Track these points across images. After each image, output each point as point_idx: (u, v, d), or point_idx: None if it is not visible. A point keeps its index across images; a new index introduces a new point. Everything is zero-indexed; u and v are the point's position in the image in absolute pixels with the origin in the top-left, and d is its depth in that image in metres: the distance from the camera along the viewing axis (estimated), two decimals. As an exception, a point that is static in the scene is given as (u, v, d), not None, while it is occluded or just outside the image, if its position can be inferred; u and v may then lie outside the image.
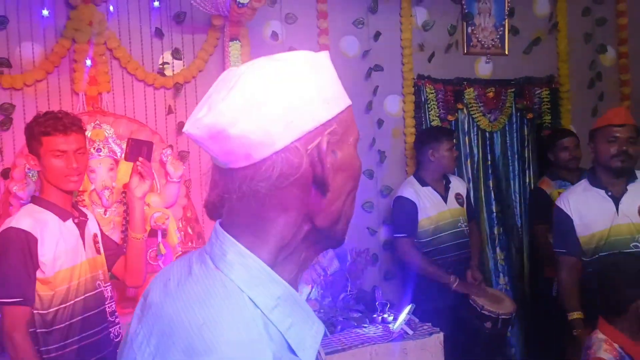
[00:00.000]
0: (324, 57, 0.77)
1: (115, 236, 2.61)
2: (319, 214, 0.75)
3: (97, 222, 2.22)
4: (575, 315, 2.56)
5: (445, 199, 3.27)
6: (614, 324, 2.01)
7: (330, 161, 0.72)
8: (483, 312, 2.93)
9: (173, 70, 3.12)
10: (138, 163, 2.16)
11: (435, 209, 3.22)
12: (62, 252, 1.98)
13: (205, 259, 0.76)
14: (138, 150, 2.20)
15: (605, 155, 2.54)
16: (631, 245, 2.50)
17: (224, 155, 0.73)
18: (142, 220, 2.21)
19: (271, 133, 0.69)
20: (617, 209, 2.56)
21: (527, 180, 3.93)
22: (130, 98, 3.04)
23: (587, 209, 2.59)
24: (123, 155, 2.47)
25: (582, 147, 4.03)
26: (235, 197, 0.74)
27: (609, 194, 2.59)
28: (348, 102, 0.77)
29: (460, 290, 3.07)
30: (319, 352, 0.81)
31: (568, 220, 2.62)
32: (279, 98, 0.70)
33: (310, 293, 2.98)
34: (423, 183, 3.25)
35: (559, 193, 3.42)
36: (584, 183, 2.69)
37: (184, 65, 3.15)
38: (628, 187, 2.58)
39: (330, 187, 0.73)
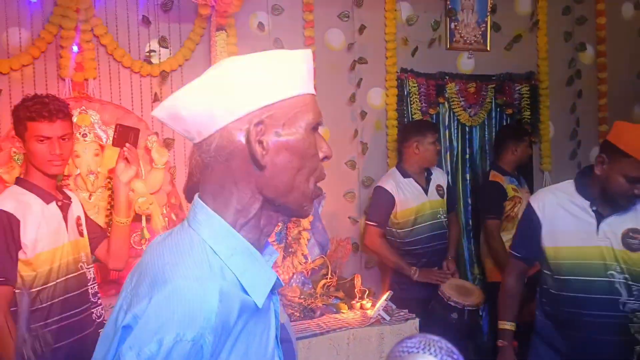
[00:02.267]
0: (286, 54, 0.93)
1: (100, 220, 2.66)
2: (265, 186, 0.91)
3: (82, 205, 2.26)
4: (508, 326, 2.29)
5: (426, 190, 3.35)
6: None
7: (267, 140, 0.89)
8: (449, 302, 3.01)
9: (159, 59, 3.16)
10: (125, 149, 2.20)
11: (416, 200, 3.30)
12: (44, 234, 2.02)
13: (183, 222, 0.96)
14: (125, 136, 2.24)
15: (616, 188, 2.02)
16: (607, 273, 2.07)
17: (185, 132, 0.94)
18: (127, 205, 2.26)
19: (214, 115, 0.89)
20: (597, 227, 2.09)
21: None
22: (116, 85, 3.08)
23: (562, 217, 2.14)
24: (110, 141, 2.50)
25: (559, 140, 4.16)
26: (200, 169, 0.93)
27: (594, 208, 2.10)
28: (301, 91, 0.93)
29: (421, 279, 3.16)
30: (273, 303, 0.99)
31: (536, 223, 2.19)
32: (222, 87, 0.89)
33: (292, 279, 3.05)
34: (405, 175, 3.33)
35: (513, 189, 3.51)
36: (568, 186, 2.20)
37: (170, 54, 3.19)
38: (620, 210, 2.11)
39: (265, 163, 0.89)
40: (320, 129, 0.98)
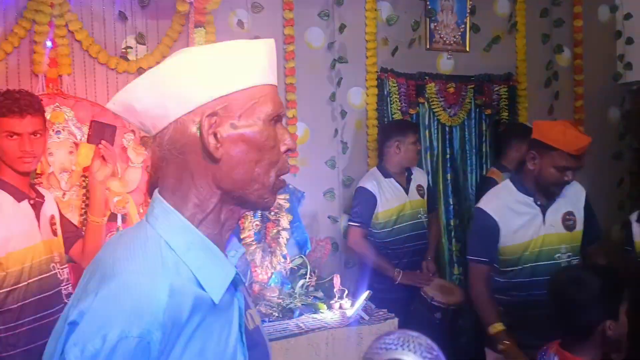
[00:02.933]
0: (244, 44, 0.91)
1: (74, 220, 2.60)
2: (222, 179, 0.89)
3: (56, 203, 2.21)
4: (498, 327, 2.32)
5: (406, 190, 3.35)
6: (574, 352, 1.74)
7: (221, 133, 0.87)
8: (433, 303, 3.01)
9: (136, 55, 3.11)
10: (100, 146, 2.16)
11: (396, 200, 3.30)
12: (15, 234, 1.97)
13: (143, 218, 0.95)
14: (101, 132, 2.19)
15: (547, 178, 2.31)
16: (555, 256, 2.38)
17: (141, 125, 0.92)
18: (103, 204, 2.21)
19: (167, 107, 0.87)
20: (544, 218, 2.38)
21: (484, 174, 4.04)
22: (91, 81, 3.01)
23: (514, 217, 2.37)
24: (85, 138, 2.45)
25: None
26: (158, 163, 0.92)
27: (538, 202, 2.38)
28: (260, 81, 0.91)
29: (404, 282, 3.15)
30: (237, 299, 0.96)
31: (494, 227, 2.35)
32: (175, 78, 0.87)
33: (270, 279, 3.02)
34: (386, 174, 3.32)
35: None
36: (509, 186, 2.44)
37: (147, 51, 3.13)
38: (556, 198, 2.41)
39: (219, 156, 0.87)
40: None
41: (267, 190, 0.92)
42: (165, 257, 0.85)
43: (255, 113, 0.90)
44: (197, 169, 0.89)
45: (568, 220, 2.41)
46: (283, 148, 0.94)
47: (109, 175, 2.20)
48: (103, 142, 2.16)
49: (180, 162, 0.89)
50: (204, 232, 0.90)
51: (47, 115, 2.54)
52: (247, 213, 2.93)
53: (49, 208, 2.14)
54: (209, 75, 0.87)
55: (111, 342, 0.76)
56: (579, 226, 2.44)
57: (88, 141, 2.22)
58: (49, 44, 2.88)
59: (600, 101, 4.35)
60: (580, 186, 2.49)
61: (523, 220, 2.37)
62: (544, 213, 2.38)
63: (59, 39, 2.90)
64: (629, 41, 4.27)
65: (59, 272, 2.12)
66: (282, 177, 0.95)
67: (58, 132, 2.63)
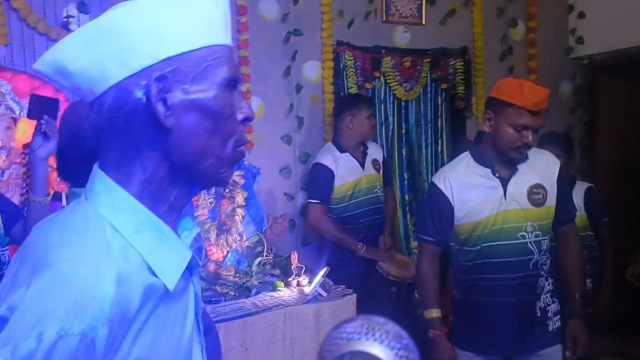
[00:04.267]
0: None
1: (15, 199, 2.46)
2: (172, 152, 0.78)
3: None
4: (434, 313, 2.19)
5: (362, 165, 3.32)
6: None
7: (171, 99, 0.76)
8: (389, 277, 3.02)
9: (79, 25, 2.93)
10: (42, 121, 2.02)
11: (352, 175, 3.27)
12: None
13: (80, 196, 0.81)
14: (42, 107, 2.05)
15: (505, 140, 2.06)
16: (518, 235, 2.11)
17: (76, 89, 0.79)
18: (45, 182, 2.08)
19: (106, 68, 0.75)
20: (504, 192, 2.12)
21: (439, 149, 4.05)
22: (30, 53, 2.83)
23: (470, 192, 2.13)
24: (24, 113, 2.30)
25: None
26: (97, 133, 0.80)
27: (497, 174, 2.12)
28: (213, 41, 0.79)
29: (367, 256, 3.15)
30: (193, 285, 0.87)
31: (446, 204, 2.15)
32: (114, 35, 0.74)
33: (226, 257, 2.96)
34: (341, 149, 3.28)
35: None
36: (466, 159, 2.20)
37: (90, 20, 2.96)
38: (518, 167, 2.14)
39: (170, 125, 0.76)
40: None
41: (223, 163, 0.82)
42: (110, 241, 0.74)
43: (208, 77, 0.78)
44: (143, 140, 0.77)
45: (535, 194, 2.13)
46: (240, 117, 0.83)
47: (52, 152, 2.06)
48: (45, 117, 2.02)
49: (123, 133, 0.77)
50: (152, 211, 0.80)
51: (-19, 89, 2.38)
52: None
53: None
54: (155, 33, 0.75)
55: (48, 341, 0.66)
56: (550, 201, 2.15)
57: (28, 116, 2.08)
58: (-18, 12, 2.68)
59: (552, 75, 4.40)
60: (554, 157, 2.24)
61: (480, 195, 2.12)
62: (504, 186, 2.12)
63: (-6, 7, 2.71)
64: (581, 15, 4.33)
65: (1, 254, 2.00)
66: (240, 148, 0.84)
67: (-6, 106, 2.46)
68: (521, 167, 2.13)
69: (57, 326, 0.66)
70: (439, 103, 4.05)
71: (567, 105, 4.48)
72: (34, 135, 2.02)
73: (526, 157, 2.14)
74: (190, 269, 0.84)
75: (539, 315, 2.16)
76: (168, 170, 0.79)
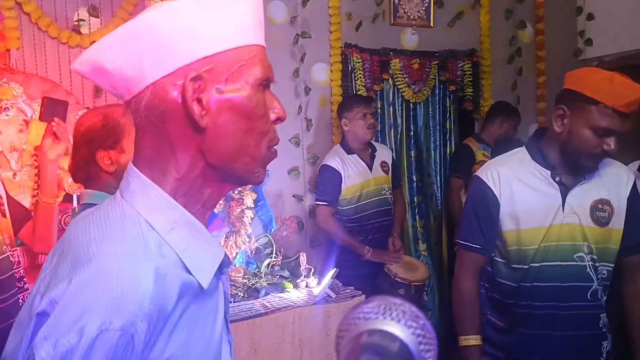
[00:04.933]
0: None
1: (27, 201, 2.48)
2: (207, 151, 0.79)
3: (2, 184, 2.09)
4: (473, 341, 1.80)
5: (370, 167, 3.32)
6: None
7: (206, 98, 0.76)
8: (396, 279, 3.02)
9: (89, 29, 2.96)
10: (53, 123, 2.04)
11: (360, 177, 3.27)
12: None
13: (116, 194, 0.82)
14: (53, 109, 2.08)
15: (581, 145, 1.66)
16: (575, 256, 1.72)
17: (112, 88, 0.80)
18: (54, 184, 2.10)
19: (143, 68, 0.75)
20: (563, 202, 1.72)
21: (448, 151, 4.05)
22: (42, 56, 2.86)
23: (521, 193, 1.74)
24: (36, 116, 2.33)
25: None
26: (135, 131, 0.80)
27: (557, 179, 1.73)
28: (247, 41, 0.80)
29: (374, 259, 3.14)
30: (222, 283, 0.88)
31: (493, 201, 1.76)
32: (151, 36, 0.75)
33: (235, 259, 2.96)
34: (349, 151, 3.29)
35: (484, 154, 3.57)
36: (520, 154, 1.82)
37: (101, 24, 2.99)
38: (585, 176, 1.75)
39: (205, 125, 0.77)
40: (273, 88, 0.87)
41: (257, 163, 0.82)
42: (147, 238, 0.75)
43: (242, 76, 0.78)
44: (178, 139, 0.78)
45: (600, 211, 1.73)
46: (273, 116, 0.83)
47: (61, 154, 2.09)
48: (55, 119, 2.04)
49: (158, 131, 0.78)
50: (186, 209, 0.80)
51: (-6, 91, 2.40)
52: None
53: None
54: (191, 33, 0.75)
55: (89, 336, 0.66)
56: (615, 223, 1.74)
57: (40, 119, 2.10)
58: (-6, 16, 2.71)
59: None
60: (628, 170, 1.82)
61: (532, 199, 1.73)
62: (564, 195, 1.72)
63: (6, 11, 2.74)
64: (590, 17, 4.31)
65: (10, 254, 2.01)
66: (274, 148, 0.84)
67: (6, 109, 2.48)
68: (590, 177, 1.75)
69: (99, 321, 0.67)
70: (447, 105, 4.05)
71: (576, 107, 4.46)
72: (44, 137, 2.04)
73: (596, 168, 1.75)
74: (220, 268, 0.84)
75: (603, 357, 1.77)
76: (202, 170, 0.80)
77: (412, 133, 3.96)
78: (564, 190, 1.73)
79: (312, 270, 2.94)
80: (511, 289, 1.78)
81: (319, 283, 2.79)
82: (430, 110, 4.01)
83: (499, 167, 1.79)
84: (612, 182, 1.77)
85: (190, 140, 0.78)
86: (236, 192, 2.98)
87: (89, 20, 2.96)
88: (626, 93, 1.60)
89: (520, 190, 1.74)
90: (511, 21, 4.23)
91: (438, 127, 4.03)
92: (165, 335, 0.72)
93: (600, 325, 1.77)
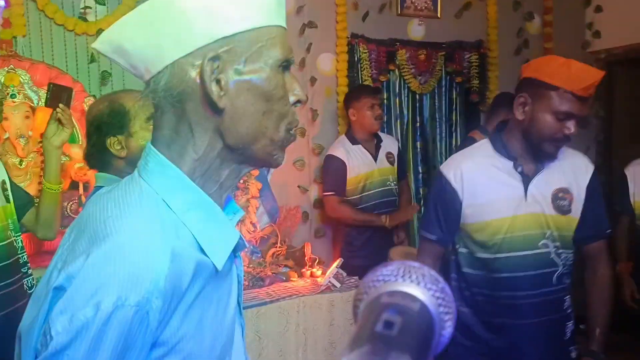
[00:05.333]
0: None
1: (33, 187, 2.49)
2: (225, 133, 0.78)
3: (5, 169, 2.09)
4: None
5: (375, 157, 3.31)
6: None
7: (225, 79, 0.76)
8: None
9: (96, 16, 2.95)
10: (58, 109, 2.04)
11: (364, 167, 3.27)
12: None
13: (134, 172, 0.82)
14: (58, 96, 2.08)
15: (543, 130, 1.71)
16: (539, 244, 1.77)
17: (132, 68, 0.80)
18: (59, 170, 2.10)
19: (162, 48, 0.76)
20: (525, 191, 1.77)
21: (454, 143, 4.04)
22: (48, 43, 2.86)
23: (484, 186, 1.78)
24: (43, 102, 2.33)
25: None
26: (154, 111, 0.81)
27: (519, 169, 1.78)
28: (267, 22, 0.79)
29: (395, 223, 3.18)
30: (236, 266, 0.88)
31: (453, 196, 1.81)
32: (170, 15, 0.75)
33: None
34: (354, 141, 3.28)
35: None
36: (484, 146, 1.86)
37: (107, 11, 2.98)
38: (545, 165, 1.80)
39: (223, 106, 0.77)
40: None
41: (276, 145, 0.81)
42: (164, 218, 0.75)
43: (262, 58, 0.78)
44: (197, 120, 0.78)
45: (561, 199, 1.79)
46: (292, 99, 0.82)
47: (66, 140, 2.09)
48: (60, 105, 2.05)
49: (177, 112, 0.78)
50: (202, 190, 0.80)
51: (1, 78, 2.40)
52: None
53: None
54: (211, 13, 0.75)
55: (105, 310, 0.67)
56: (576, 211, 1.81)
57: (47, 105, 2.10)
58: (1, 3, 2.71)
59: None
60: (587, 159, 1.88)
61: (495, 191, 1.78)
62: (526, 184, 1.77)
63: (12, -2, 2.74)
64: (598, 9, 4.28)
65: (14, 240, 2.02)
66: (293, 130, 0.84)
67: (13, 95, 2.48)
68: (548, 166, 1.80)
69: (114, 296, 0.67)
70: (454, 96, 4.03)
71: (583, 99, 4.43)
72: (48, 124, 2.05)
73: (555, 158, 1.80)
74: (235, 250, 0.84)
75: (567, 338, 1.86)
76: (220, 151, 0.79)
77: (418, 124, 3.95)
78: (526, 180, 1.78)
79: (317, 260, 2.94)
80: (478, 278, 1.84)
81: (323, 273, 2.79)
82: (436, 101, 4.00)
83: (462, 162, 1.85)
84: (571, 171, 1.82)
85: (209, 121, 0.78)
86: (241, 181, 2.98)
87: (95, 7, 2.95)
88: (583, 77, 1.66)
89: (484, 182, 1.79)
90: (519, 12, 4.20)
91: (444, 118, 4.02)
92: (180, 314, 0.73)
93: (565, 307, 1.84)
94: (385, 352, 0.31)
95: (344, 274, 2.84)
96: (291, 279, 2.80)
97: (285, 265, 2.96)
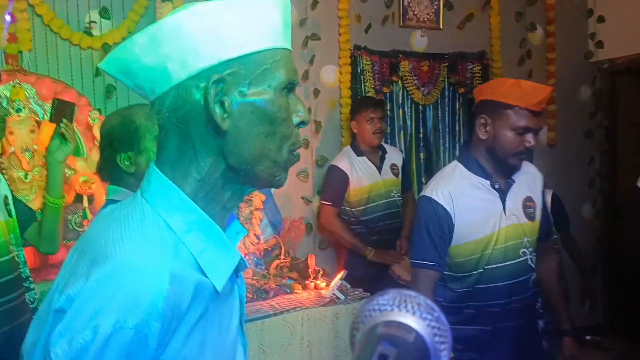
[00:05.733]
0: (257, 0, 0.79)
1: (37, 201, 2.49)
2: (228, 154, 0.79)
3: (8, 184, 2.11)
4: None
5: (379, 169, 3.32)
6: None
7: (229, 101, 0.77)
8: (399, 281, 3.02)
9: (101, 31, 2.98)
10: (62, 124, 2.06)
11: (368, 179, 3.27)
12: None
13: (137, 192, 0.83)
14: (62, 111, 2.11)
15: (506, 146, 1.83)
16: (520, 252, 1.90)
17: (138, 89, 0.81)
18: (61, 185, 2.11)
19: (168, 69, 0.76)
20: (504, 205, 1.89)
21: (457, 153, 4.03)
22: (54, 58, 2.89)
23: (470, 207, 1.87)
24: (48, 117, 2.35)
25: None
26: (159, 132, 0.82)
27: (496, 186, 1.90)
28: (272, 44, 0.80)
29: (376, 259, 3.16)
30: (238, 286, 0.88)
31: (446, 218, 1.86)
32: (178, 38, 0.75)
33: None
34: (358, 153, 3.30)
35: None
36: (458, 169, 1.95)
37: (112, 26, 3.01)
38: (514, 178, 1.94)
39: (227, 128, 0.77)
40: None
41: (279, 167, 0.82)
42: (165, 239, 0.75)
43: (266, 80, 0.78)
44: (201, 141, 0.78)
45: (528, 207, 1.95)
46: (296, 120, 0.82)
47: (69, 155, 2.10)
48: (64, 120, 2.07)
49: (181, 133, 0.78)
50: (205, 211, 0.80)
51: (7, 92, 2.42)
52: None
53: (2, 188, 2.04)
54: (217, 35, 0.76)
55: (104, 334, 0.67)
56: (538, 215, 1.99)
57: (51, 120, 2.12)
58: (7, 18, 2.74)
59: (572, 80, 4.37)
60: (536, 169, 2.06)
61: (480, 211, 1.87)
62: (503, 199, 1.90)
63: (19, 13, 2.77)
64: (600, 19, 4.29)
65: (16, 255, 2.02)
66: (296, 151, 0.84)
67: (19, 109, 2.50)
68: (515, 179, 1.94)
69: (113, 319, 0.67)
70: (457, 107, 4.03)
71: (587, 109, 4.44)
72: (52, 138, 2.06)
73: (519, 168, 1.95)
74: (236, 271, 0.84)
75: (540, 337, 2.04)
76: (223, 172, 0.80)
77: (421, 135, 3.96)
78: (502, 196, 1.91)
79: (321, 272, 2.93)
80: (461, 294, 1.91)
81: (327, 285, 2.79)
82: (439, 112, 4.00)
83: (447, 185, 1.90)
84: (529, 180, 2.00)
85: (212, 142, 0.78)
86: (245, 193, 2.99)
87: (100, 22, 2.98)
88: (535, 94, 1.82)
89: (468, 203, 1.87)
90: (521, 23, 4.21)
91: (447, 129, 4.02)
92: (181, 336, 0.73)
93: (537, 307, 2.01)
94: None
95: (348, 286, 2.83)
96: (295, 291, 2.80)
97: (289, 277, 2.96)
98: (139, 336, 0.68)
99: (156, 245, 0.74)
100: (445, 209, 1.85)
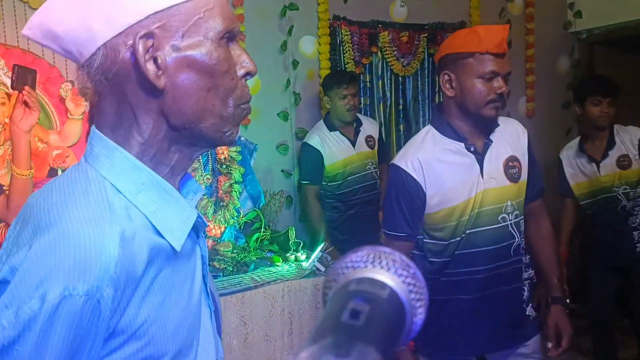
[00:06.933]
0: None
1: (9, 175, 2.43)
2: (169, 113, 0.75)
3: None
4: None
5: (354, 142, 3.29)
6: None
7: (162, 57, 0.72)
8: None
9: (71, -1, 2.89)
10: (24, 92, 1.98)
11: (342, 153, 3.25)
12: None
13: (80, 159, 0.79)
14: (24, 78, 2.01)
15: (476, 96, 1.72)
16: (499, 218, 1.81)
17: (66, 53, 0.76)
18: (28, 156, 2.04)
19: (93, 29, 0.71)
20: (481, 168, 1.79)
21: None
22: (23, 27, 2.79)
23: (444, 173, 1.78)
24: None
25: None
26: (94, 96, 0.78)
27: (472, 148, 1.79)
28: None
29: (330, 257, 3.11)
30: (200, 247, 0.85)
31: (416, 188, 1.78)
32: None
33: (223, 234, 2.95)
34: (331, 127, 3.27)
35: None
36: (430, 134, 1.84)
37: (83, -5, 2.91)
38: (492, 138, 1.83)
39: (162, 86, 0.73)
40: (251, 79, 0.82)
41: (226, 122, 0.78)
42: (113, 202, 0.72)
43: (201, 31, 0.73)
44: (138, 102, 0.74)
45: (512, 168, 1.84)
46: (241, 72, 0.78)
47: (34, 124, 2.02)
48: (26, 87, 1.98)
49: (116, 95, 0.74)
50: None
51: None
52: (196, 166, 2.83)
53: None
54: None
55: (52, 302, 0.64)
56: (524, 175, 1.87)
57: (12, 87, 2.03)
58: (-28, -14, 2.63)
59: (550, 50, 4.37)
60: (520, 125, 1.94)
61: (455, 176, 1.78)
62: (480, 162, 1.80)
63: (-16, -19, 2.66)
64: (579, -11, 4.28)
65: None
66: (245, 105, 0.80)
67: (-13, 82, 2.43)
68: (494, 139, 1.83)
69: (61, 286, 0.64)
70: (437, 78, 4.01)
71: (565, 80, 4.46)
72: (14, 107, 1.98)
73: (497, 125, 1.84)
74: (196, 230, 0.82)
75: (524, 305, 1.94)
76: (167, 133, 0.76)
77: (401, 107, 3.94)
78: (480, 158, 1.80)
79: (301, 244, 2.93)
80: (442, 264, 1.85)
81: (308, 257, 2.79)
82: (419, 83, 3.98)
83: (417, 153, 1.81)
84: (512, 138, 1.87)
85: (150, 102, 0.74)
86: (224, 166, 2.96)
87: (71, -10, 2.88)
88: (493, 36, 1.70)
89: (442, 169, 1.78)
90: (501, -7, 4.19)
91: (427, 100, 4.00)
92: (137, 300, 0.70)
93: (523, 277, 1.92)
94: (349, 344, 0.30)
95: (329, 258, 2.84)
96: (276, 263, 2.80)
97: (270, 250, 2.96)
98: (90, 303, 0.65)
99: (103, 208, 0.71)
100: (414, 179, 1.78)
